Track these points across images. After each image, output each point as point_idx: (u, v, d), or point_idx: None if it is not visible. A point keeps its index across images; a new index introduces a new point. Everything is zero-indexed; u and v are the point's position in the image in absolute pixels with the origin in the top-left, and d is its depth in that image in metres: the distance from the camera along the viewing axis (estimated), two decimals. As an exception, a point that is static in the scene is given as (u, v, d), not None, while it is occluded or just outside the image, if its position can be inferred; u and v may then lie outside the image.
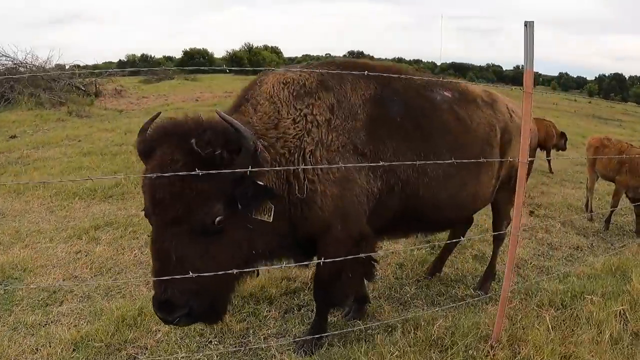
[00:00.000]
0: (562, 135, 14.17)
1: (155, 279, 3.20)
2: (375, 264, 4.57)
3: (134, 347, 4.35)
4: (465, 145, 4.47)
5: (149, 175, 3.09)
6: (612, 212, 8.97)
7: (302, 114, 3.80)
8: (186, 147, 3.13)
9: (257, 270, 3.90)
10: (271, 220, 3.41)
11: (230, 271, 3.19)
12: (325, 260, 3.65)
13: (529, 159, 5.34)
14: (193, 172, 2.94)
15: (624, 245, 8.02)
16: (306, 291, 5.49)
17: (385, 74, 4.02)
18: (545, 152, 14.27)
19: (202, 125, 3.29)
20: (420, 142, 4.19)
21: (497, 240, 5.88)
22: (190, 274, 3.02)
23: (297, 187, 3.68)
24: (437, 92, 4.56)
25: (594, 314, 4.89)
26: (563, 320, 4.87)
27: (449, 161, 4.01)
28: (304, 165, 3.69)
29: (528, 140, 3.76)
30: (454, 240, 5.86)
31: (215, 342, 4.47)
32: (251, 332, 4.68)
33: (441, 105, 4.49)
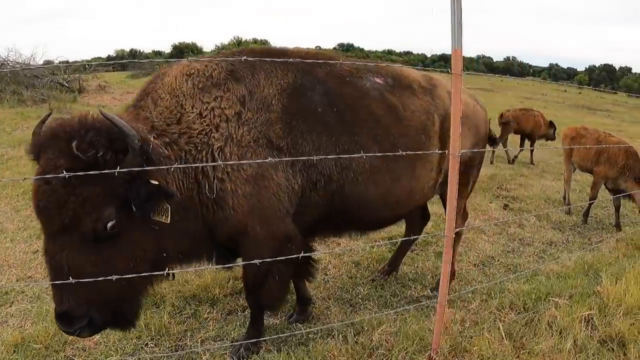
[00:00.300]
0: (551, 125, 13.89)
1: (53, 289, 3.04)
2: (314, 263, 4.37)
3: (72, 348, 4.18)
4: (396, 135, 4.11)
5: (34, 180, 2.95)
6: (590, 204, 8.54)
7: (209, 107, 3.54)
8: (69, 151, 2.92)
9: (172, 274, 3.66)
10: (168, 222, 3.16)
11: (109, 277, 2.93)
12: (246, 263, 3.57)
13: (481, 150, 5.02)
14: (60, 175, 2.72)
15: (601, 241, 7.57)
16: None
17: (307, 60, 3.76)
18: (530, 142, 14.04)
19: (85, 125, 3.07)
20: (343, 134, 3.87)
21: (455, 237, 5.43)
22: (72, 279, 2.84)
23: (206, 187, 3.46)
24: (366, 78, 4.20)
25: (558, 318, 4.47)
26: (523, 326, 4.46)
27: (372, 154, 3.75)
28: (212, 163, 3.44)
29: (458, 129, 3.28)
30: (410, 238, 5.49)
31: (152, 345, 4.27)
32: (189, 334, 4.44)
33: (370, 92, 4.13)
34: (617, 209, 8.36)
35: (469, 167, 4.92)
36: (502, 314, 4.74)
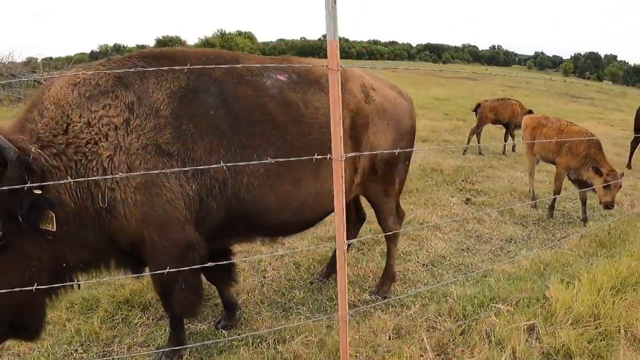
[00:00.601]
0: (529, 113, 13.44)
1: None
2: (233, 268, 4.43)
3: (8, 354, 4.15)
4: (294, 135, 3.89)
5: None
6: (555, 197, 8.15)
7: (97, 116, 3.41)
8: None
9: (78, 283, 3.63)
10: (54, 230, 3.14)
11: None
12: (154, 273, 3.58)
13: (408, 149, 4.67)
14: None
15: (565, 236, 7.15)
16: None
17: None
18: (506, 131, 13.83)
19: None
20: (236, 136, 3.71)
21: (389, 239, 5.18)
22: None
23: (99, 196, 3.39)
24: (268, 76, 4.00)
25: (497, 327, 4.10)
26: (459, 335, 4.12)
27: (266, 161, 3.45)
28: (104, 174, 3.37)
29: (339, 131, 2.91)
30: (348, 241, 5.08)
31: (81, 351, 4.20)
32: (117, 340, 4.34)
33: (268, 91, 3.93)
34: (584, 203, 8.00)
35: (392, 165, 4.62)
36: (438, 321, 4.41)
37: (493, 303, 4.58)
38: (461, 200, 8.65)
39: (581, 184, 7.86)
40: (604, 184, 7.26)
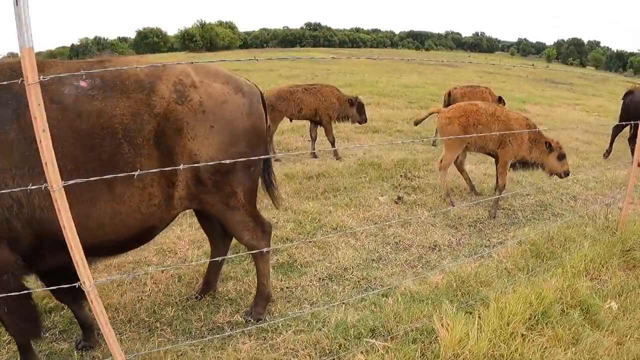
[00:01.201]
0: (500, 100, 12.94)
1: None
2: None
3: None
4: (83, 149, 3.55)
5: None
6: (499, 196, 7.38)
7: None
8: None
9: None
10: None
11: None
12: None
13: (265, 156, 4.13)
14: None
15: (501, 242, 6.36)
16: (63, 311, 4.63)
17: None
18: None
19: None
20: (25, 153, 3.42)
21: (254, 257, 4.52)
22: None
23: None
24: (70, 84, 3.63)
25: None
26: None
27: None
28: None
29: (50, 155, 2.58)
30: (217, 258, 4.60)
31: None
32: None
33: (64, 101, 3.58)
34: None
35: (225, 174, 3.93)
36: (300, 355, 3.76)
37: (373, 335, 3.84)
38: (391, 199, 7.76)
39: (524, 165, 7.44)
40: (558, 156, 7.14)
